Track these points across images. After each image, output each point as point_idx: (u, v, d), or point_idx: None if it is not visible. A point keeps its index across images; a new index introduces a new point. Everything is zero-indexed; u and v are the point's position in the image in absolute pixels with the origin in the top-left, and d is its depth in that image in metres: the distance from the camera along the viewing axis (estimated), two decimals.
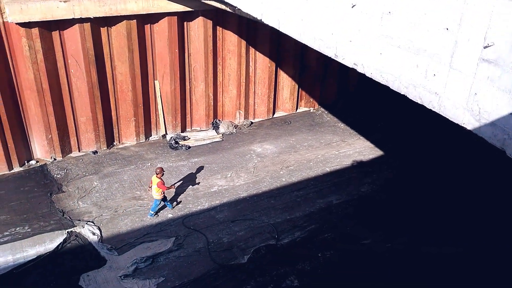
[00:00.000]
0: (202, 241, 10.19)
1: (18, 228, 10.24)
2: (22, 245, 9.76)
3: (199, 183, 12.35)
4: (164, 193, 10.78)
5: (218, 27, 14.41)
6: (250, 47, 15.24)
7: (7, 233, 10.09)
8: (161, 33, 13.51)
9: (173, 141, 14.39)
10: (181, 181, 12.39)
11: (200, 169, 13.10)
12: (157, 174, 10.58)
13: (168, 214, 11.04)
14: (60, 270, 9.15)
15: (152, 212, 10.85)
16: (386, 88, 6.11)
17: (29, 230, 10.22)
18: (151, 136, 14.92)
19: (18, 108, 12.35)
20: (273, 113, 17.13)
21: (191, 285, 8.92)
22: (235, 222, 10.89)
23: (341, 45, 6.72)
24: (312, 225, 10.93)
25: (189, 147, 14.31)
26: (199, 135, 15.17)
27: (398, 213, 11.41)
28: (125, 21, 12.68)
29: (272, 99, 16.71)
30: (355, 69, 6.55)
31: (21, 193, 11.53)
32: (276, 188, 12.34)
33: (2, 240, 9.85)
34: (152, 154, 13.82)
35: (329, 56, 7.11)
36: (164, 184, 10.56)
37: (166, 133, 14.98)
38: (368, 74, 6.31)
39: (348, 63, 6.68)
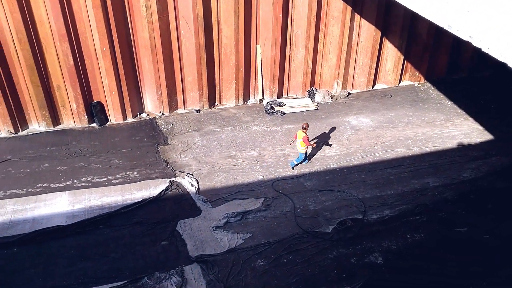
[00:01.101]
0: (289, 205, 10.50)
1: (128, 173, 11.51)
2: (130, 188, 10.99)
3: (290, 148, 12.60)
4: (307, 147, 11.41)
5: None
6: (356, 14, 14.63)
7: (119, 176, 11.40)
8: None
9: (269, 106, 14.71)
10: (292, 142, 12.73)
11: (292, 135, 13.28)
12: (303, 128, 11.25)
13: (259, 176, 11.51)
14: (161, 214, 10.18)
15: (295, 163, 11.60)
16: (503, 66, 5.53)
17: (137, 175, 11.44)
18: (249, 99, 15.41)
19: (134, 64, 13.55)
20: (373, 85, 16.47)
21: (276, 245, 9.34)
22: (323, 191, 10.99)
23: (457, 14, 6.16)
24: (403, 205, 10.58)
25: (284, 113, 14.52)
26: (294, 102, 15.26)
27: (503, 203, 10.49)
28: None
29: (374, 70, 16.03)
30: (470, 43, 6.00)
31: (132, 141, 12.87)
32: (368, 163, 12.07)
33: (114, 182, 11.18)
34: (249, 117, 14.32)
35: (442, 26, 6.58)
36: (308, 140, 11.18)
37: (263, 98, 15.33)
38: (484, 49, 5.74)
39: (463, 35, 6.13)
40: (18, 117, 13.03)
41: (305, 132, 11.26)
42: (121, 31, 12.70)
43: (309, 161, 12.06)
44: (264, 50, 14.54)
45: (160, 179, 11.27)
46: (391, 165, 12.01)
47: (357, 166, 11.97)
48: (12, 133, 13.01)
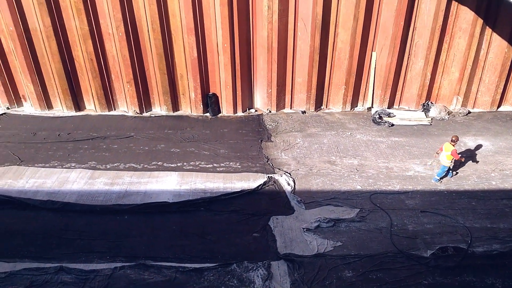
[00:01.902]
0: (386, 221, 10.10)
1: (231, 163, 12.14)
2: (232, 177, 11.58)
3: (393, 163, 12.06)
4: (452, 161, 11.05)
5: (453, 1, 13.11)
6: (487, 27, 13.40)
7: (223, 164, 12.08)
8: (390, 3, 13.13)
9: (377, 116, 14.24)
10: (401, 157, 12.32)
11: (398, 149, 12.71)
12: (452, 141, 10.93)
13: (357, 185, 11.25)
14: (256, 207, 10.56)
15: (438, 178, 11.32)
16: None
17: (239, 166, 12.00)
18: (356, 106, 15.09)
19: (250, 62, 14.18)
20: (498, 106, 14.95)
21: (366, 259, 9.08)
22: (425, 213, 10.33)
23: None
24: None
25: (392, 125, 13.94)
26: (406, 115, 14.54)
27: None
28: None
29: (501, 90, 14.54)
30: None
31: (239, 134, 13.52)
32: (482, 190, 11.03)
33: (218, 169, 11.88)
34: (354, 124, 14.04)
35: None
36: (457, 153, 10.87)
37: (372, 106, 14.89)
38: None
39: None
40: (144, 100, 14.55)
41: (453, 145, 10.77)
42: (242, 29, 13.37)
43: (455, 174, 11.51)
44: (380, 57, 14.10)
45: (260, 174, 11.67)
46: (508, 196, 10.81)
47: (468, 191, 11.02)
48: (137, 113, 14.59)
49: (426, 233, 9.76)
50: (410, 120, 14.20)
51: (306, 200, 10.74)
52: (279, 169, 11.88)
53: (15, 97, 14.77)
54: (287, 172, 11.72)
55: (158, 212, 10.34)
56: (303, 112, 14.71)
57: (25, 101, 14.89)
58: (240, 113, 14.74)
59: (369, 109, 14.86)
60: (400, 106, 15.10)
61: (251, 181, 11.39)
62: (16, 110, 14.79)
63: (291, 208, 10.50)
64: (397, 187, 11.22)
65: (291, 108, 14.95)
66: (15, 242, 9.40)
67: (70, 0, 12.69)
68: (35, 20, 13.03)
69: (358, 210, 10.42)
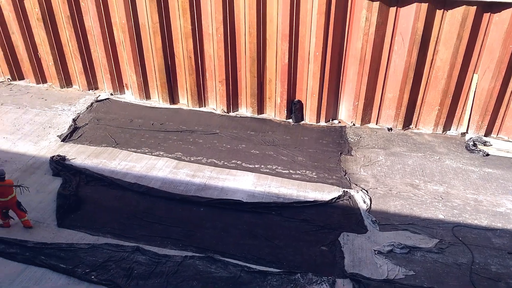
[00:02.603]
0: (467, 257, 9.35)
1: (307, 172, 12.11)
2: (306, 186, 11.55)
3: (484, 197, 11.10)
4: None
5: None
6: None
7: (299, 172, 12.10)
8: (499, 24, 12.11)
9: (472, 143, 13.21)
10: (465, 188, 11.45)
11: (491, 181, 11.68)
12: None
13: (439, 214, 10.56)
14: (327, 219, 10.41)
15: None
16: None
17: (315, 176, 11.93)
18: (449, 130, 14.16)
19: (340, 72, 14.01)
20: None
21: None
22: None
23: None
24: None
25: (488, 154, 12.84)
26: (504, 146, 13.30)
27: None
28: (464, 6, 12.01)
29: None
30: None
31: (319, 144, 13.44)
32: None
33: (294, 176, 11.92)
34: (444, 149, 13.19)
35: None
36: None
37: (467, 132, 13.85)
38: None
39: None
40: (232, 100, 15.10)
41: None
42: (336, 39, 13.27)
43: None
44: (482, 81, 13.06)
45: (335, 186, 11.49)
46: None
47: None
48: (225, 112, 15.19)
49: (511, 277, 8.87)
50: (508, 152, 12.96)
51: (381, 221, 10.34)
52: (356, 184, 11.59)
53: (119, 85, 16.23)
54: (364, 189, 11.38)
55: (231, 209, 10.69)
56: (389, 129, 14.16)
57: (127, 89, 16.29)
58: (322, 123, 14.64)
59: (463, 134, 13.84)
60: (498, 136, 13.85)
61: (326, 193, 11.27)
62: (118, 97, 16.24)
63: (364, 227, 10.19)
64: (484, 222, 10.32)
65: (376, 124, 14.48)
66: (102, 217, 10.35)
67: (178, 0, 13.62)
68: (145, 15, 14.20)
69: (437, 240, 9.77)
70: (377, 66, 13.47)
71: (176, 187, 11.40)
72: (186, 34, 14.13)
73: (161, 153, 12.82)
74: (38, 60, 16.47)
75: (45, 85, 16.89)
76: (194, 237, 9.83)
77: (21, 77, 17.17)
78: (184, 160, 12.53)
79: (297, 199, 11.06)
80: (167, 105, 15.71)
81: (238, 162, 12.51)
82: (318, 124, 14.61)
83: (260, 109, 15.10)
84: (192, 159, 12.59)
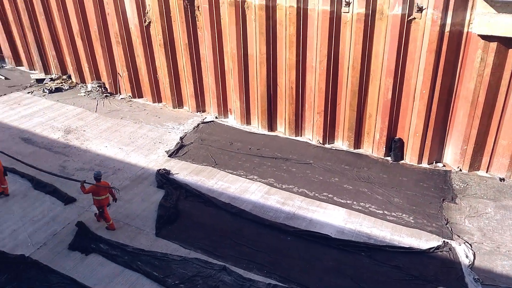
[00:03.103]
0: None
1: (404, 215, 11.45)
2: (401, 230, 10.91)
3: None
4: None
5: None
6: None
7: (394, 214, 11.50)
8: None
9: None
10: None
11: None
12: None
13: None
14: (422, 270, 9.65)
15: None
16: None
17: (412, 221, 11.23)
18: None
19: (448, 113, 13.19)
20: None
21: None
22: None
23: None
24: None
25: None
26: None
27: None
28: None
29: None
30: None
31: (419, 187, 12.66)
32: None
33: (388, 218, 11.36)
34: None
35: None
36: None
37: None
38: None
39: None
40: (329, 131, 15.06)
41: None
42: (446, 78, 12.60)
43: None
44: None
45: (434, 235, 10.68)
46: None
47: None
48: (320, 143, 15.19)
49: None
50: None
51: (485, 281, 9.31)
52: (459, 236, 10.63)
53: (223, 109, 17.22)
54: (467, 242, 10.39)
55: (319, 243, 10.52)
56: (502, 180, 12.82)
57: (231, 114, 17.20)
58: (424, 165, 13.79)
59: None
60: None
61: (423, 241, 10.52)
62: (222, 120, 17.21)
63: (464, 285, 9.26)
64: None
65: (487, 172, 13.22)
66: (195, 232, 10.92)
67: (287, 33, 14.20)
68: (254, 47, 15.02)
69: None
70: (491, 109, 12.42)
71: (266, 212, 11.60)
72: (290, 65, 14.58)
73: (255, 177, 13.19)
74: (156, 82, 18.26)
75: (160, 104, 18.61)
76: (279, 266, 9.84)
77: (140, 96, 19.15)
78: (276, 187, 12.74)
79: (390, 243, 10.50)
80: (265, 131, 16.21)
81: (330, 195, 12.33)
82: (420, 165, 13.81)
83: (357, 143, 14.79)
84: (283, 187, 12.74)
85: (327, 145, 15.19)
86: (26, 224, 11.11)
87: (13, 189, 12.47)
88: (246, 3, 14.58)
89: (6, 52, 22.51)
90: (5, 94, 19.24)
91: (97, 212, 10.97)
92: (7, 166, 12.57)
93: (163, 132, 16.12)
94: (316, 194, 12.39)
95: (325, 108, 14.61)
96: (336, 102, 14.60)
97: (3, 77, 21.18)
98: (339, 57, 13.88)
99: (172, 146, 15.09)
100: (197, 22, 16.03)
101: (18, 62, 22.61)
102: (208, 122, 16.97)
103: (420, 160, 13.79)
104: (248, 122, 16.70)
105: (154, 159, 14.25)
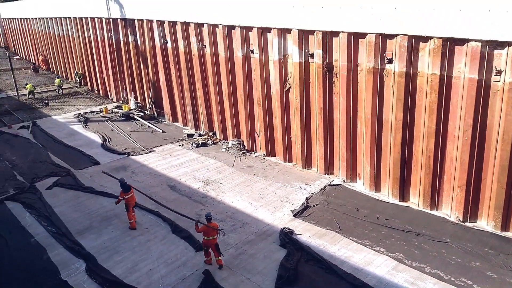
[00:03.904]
0: None
1: None
2: None
3: None
4: None
5: None
6: None
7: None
8: None
9: None
10: None
11: None
12: None
13: None
14: None
15: None
16: None
17: None
18: None
19: None
20: None
21: None
22: None
23: None
24: None
25: None
26: None
27: None
28: None
29: None
30: None
31: None
32: None
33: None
34: None
35: None
36: None
37: None
38: None
39: None
40: (471, 208, 13.51)
41: None
42: None
43: None
44: None
45: None
46: None
47: None
48: (459, 220, 13.67)
49: None
50: None
51: None
52: None
53: (352, 174, 16.95)
54: None
55: None
56: None
57: (359, 179, 16.81)
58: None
59: None
60: None
61: None
62: (350, 185, 16.90)
63: None
64: None
65: None
66: None
67: (427, 100, 13.65)
68: (390, 113, 14.73)
69: None
70: None
71: None
72: (429, 133, 13.83)
73: (382, 250, 12.41)
74: (289, 142, 19.07)
75: (290, 164, 19.25)
76: None
77: (273, 155, 20.14)
78: (405, 263, 11.75)
79: None
80: (395, 200, 15.33)
81: (469, 282, 10.84)
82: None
83: (506, 225, 12.90)
84: (413, 264, 11.68)
85: (467, 224, 13.58)
86: (161, 265, 12.27)
87: (155, 230, 14.05)
88: (385, 70, 14.60)
89: (167, 109, 26.31)
90: (160, 145, 22.27)
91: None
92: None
93: (290, 191, 16.50)
94: (452, 279, 11.02)
95: (467, 181, 13.27)
96: (481, 176, 13.16)
97: (161, 131, 24.64)
98: (486, 127, 12.70)
99: (297, 206, 15.29)
100: (334, 88, 16.55)
101: (174, 118, 26.14)
102: (335, 185, 16.84)
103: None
104: (377, 189, 16.06)
105: (280, 217, 14.58)
